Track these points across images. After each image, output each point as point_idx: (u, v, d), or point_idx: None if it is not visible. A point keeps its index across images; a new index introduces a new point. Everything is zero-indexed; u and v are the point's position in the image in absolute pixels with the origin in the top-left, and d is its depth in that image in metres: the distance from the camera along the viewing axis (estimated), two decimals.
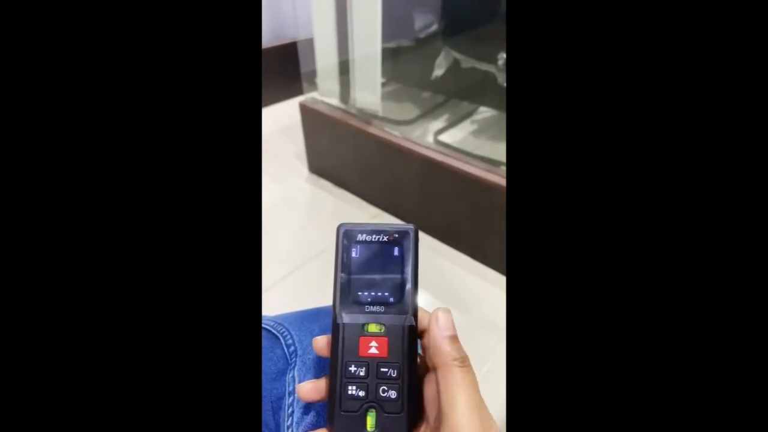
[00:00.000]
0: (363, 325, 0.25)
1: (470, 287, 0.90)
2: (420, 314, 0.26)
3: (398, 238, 0.26)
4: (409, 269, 0.25)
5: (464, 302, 0.87)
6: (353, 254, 0.26)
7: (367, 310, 0.25)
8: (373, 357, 0.24)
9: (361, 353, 0.24)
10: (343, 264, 0.26)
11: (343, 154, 1.10)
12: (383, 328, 0.25)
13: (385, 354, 0.24)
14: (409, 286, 0.25)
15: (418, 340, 0.26)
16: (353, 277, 0.26)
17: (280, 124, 1.43)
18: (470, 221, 0.91)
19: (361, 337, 0.25)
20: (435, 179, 0.92)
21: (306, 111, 1.11)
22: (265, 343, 0.35)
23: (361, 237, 0.26)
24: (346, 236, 0.26)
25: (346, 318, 0.25)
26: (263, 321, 0.37)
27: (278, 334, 0.35)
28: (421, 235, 1.12)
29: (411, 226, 0.26)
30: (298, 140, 1.23)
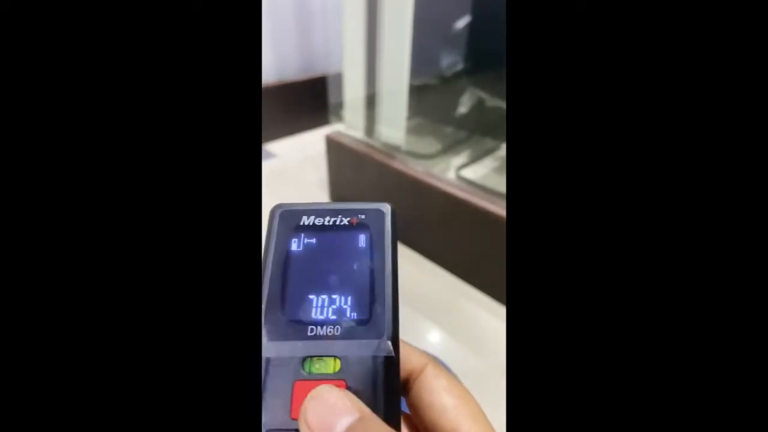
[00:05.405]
0: (303, 359, 0.14)
1: (491, 329, 0.87)
2: (406, 351, 0.16)
3: (365, 221, 0.17)
4: (384, 267, 0.16)
5: (483, 345, 0.83)
6: (292, 247, 0.16)
7: (311, 334, 0.15)
8: None
9: (295, 414, 0.14)
10: (276, 262, 0.16)
11: (365, 185, 1.10)
12: (338, 363, 0.14)
13: None
14: (384, 293, 0.15)
15: (402, 397, 0.16)
16: (291, 281, 0.16)
17: (305, 153, 1.46)
18: (491, 260, 0.89)
19: (298, 383, 0.14)
20: (456, 215, 0.91)
21: (331, 143, 1.13)
22: None
23: (306, 221, 0.17)
24: (282, 221, 0.17)
25: (273, 348, 0.14)
26: None
27: None
28: (440, 271, 1.08)
29: (386, 204, 0.17)
30: (321, 170, 1.24)
